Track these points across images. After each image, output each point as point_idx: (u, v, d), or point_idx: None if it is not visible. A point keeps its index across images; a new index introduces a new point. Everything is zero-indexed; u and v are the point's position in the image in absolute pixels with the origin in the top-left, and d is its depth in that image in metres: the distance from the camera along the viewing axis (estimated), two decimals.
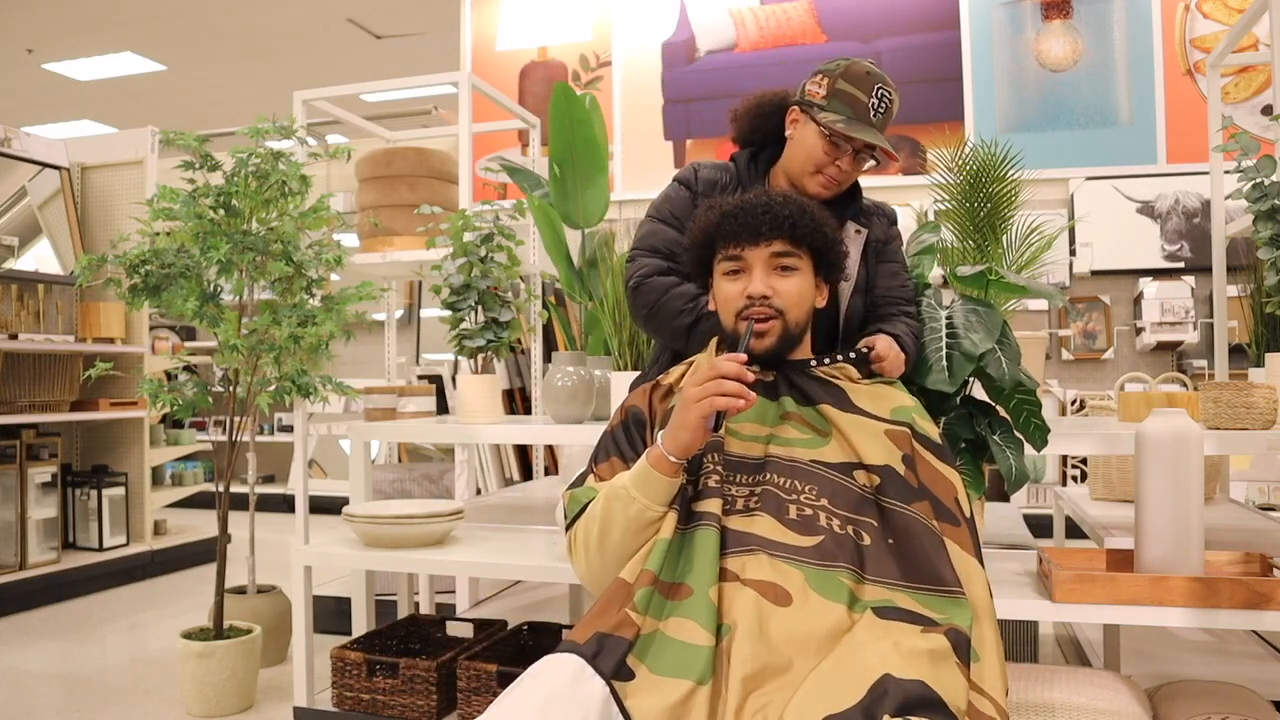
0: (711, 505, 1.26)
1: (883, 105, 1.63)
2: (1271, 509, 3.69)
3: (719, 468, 1.31)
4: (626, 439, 1.41)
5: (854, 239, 1.70)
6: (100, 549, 4.09)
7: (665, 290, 1.67)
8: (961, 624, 1.17)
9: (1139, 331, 4.64)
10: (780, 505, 1.26)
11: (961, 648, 1.15)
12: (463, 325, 2.40)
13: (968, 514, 1.30)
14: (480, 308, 2.40)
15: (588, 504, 1.35)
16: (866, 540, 1.23)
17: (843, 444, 1.33)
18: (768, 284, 1.36)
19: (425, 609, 2.94)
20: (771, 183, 1.74)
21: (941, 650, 1.12)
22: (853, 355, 1.48)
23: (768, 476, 1.30)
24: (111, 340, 4.10)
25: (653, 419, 1.42)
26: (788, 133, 1.72)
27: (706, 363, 1.31)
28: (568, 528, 1.39)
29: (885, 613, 1.16)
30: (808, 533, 1.23)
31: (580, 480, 1.43)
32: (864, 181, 1.78)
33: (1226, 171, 2.57)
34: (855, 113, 1.62)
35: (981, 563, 1.27)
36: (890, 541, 1.23)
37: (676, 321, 1.65)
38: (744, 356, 1.26)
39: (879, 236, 1.76)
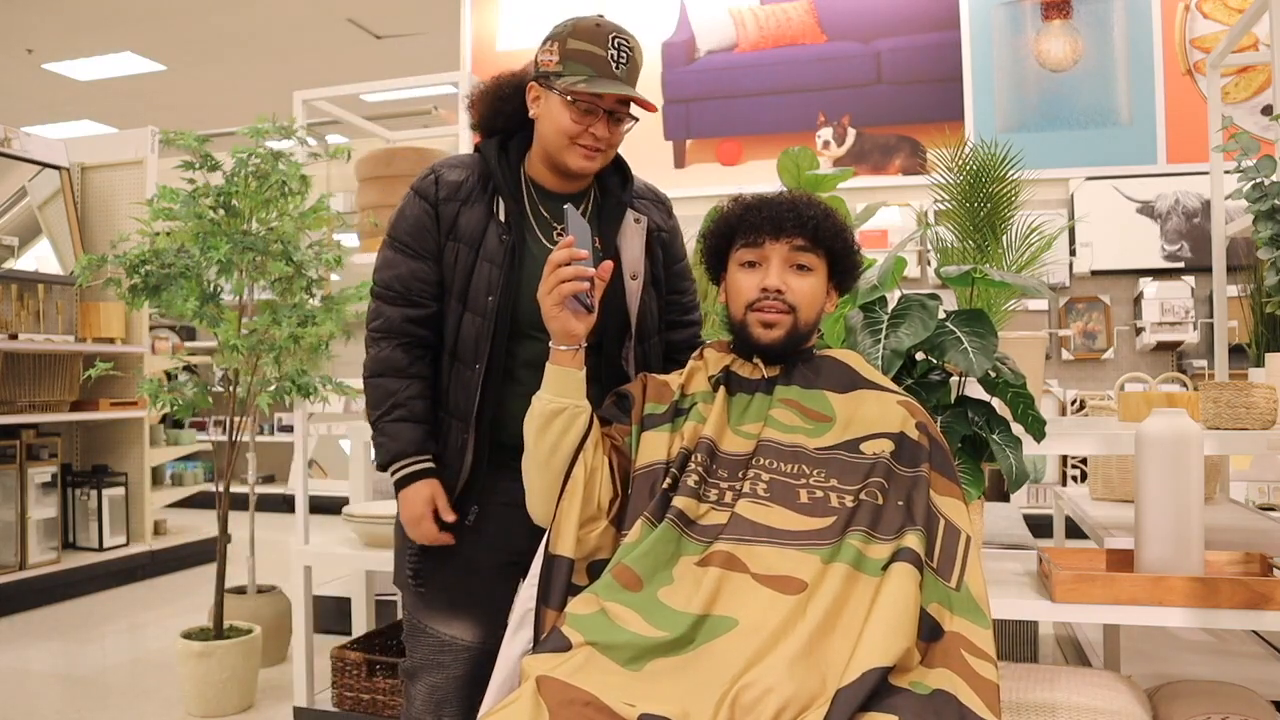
0: (679, 502, 1.28)
1: (623, 55, 1.47)
2: (1271, 509, 3.68)
3: (701, 469, 1.31)
4: (615, 406, 1.45)
5: (634, 229, 1.58)
6: (100, 549, 4.09)
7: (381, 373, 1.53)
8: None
9: (1139, 331, 4.64)
10: (790, 492, 1.27)
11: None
12: None
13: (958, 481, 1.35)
14: None
15: None
16: (880, 500, 1.25)
17: (849, 421, 1.34)
18: (783, 279, 1.37)
19: None
20: (527, 171, 1.59)
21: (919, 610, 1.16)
22: None
23: (768, 463, 1.30)
24: (111, 340, 4.10)
25: (644, 399, 1.44)
26: (532, 114, 1.55)
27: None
28: None
29: (902, 555, 1.19)
30: (822, 514, 1.25)
31: None
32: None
33: (1226, 171, 2.57)
34: (596, 69, 1.46)
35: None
36: (900, 503, 1.26)
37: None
38: (571, 239, 1.30)
39: (660, 224, 1.65)
